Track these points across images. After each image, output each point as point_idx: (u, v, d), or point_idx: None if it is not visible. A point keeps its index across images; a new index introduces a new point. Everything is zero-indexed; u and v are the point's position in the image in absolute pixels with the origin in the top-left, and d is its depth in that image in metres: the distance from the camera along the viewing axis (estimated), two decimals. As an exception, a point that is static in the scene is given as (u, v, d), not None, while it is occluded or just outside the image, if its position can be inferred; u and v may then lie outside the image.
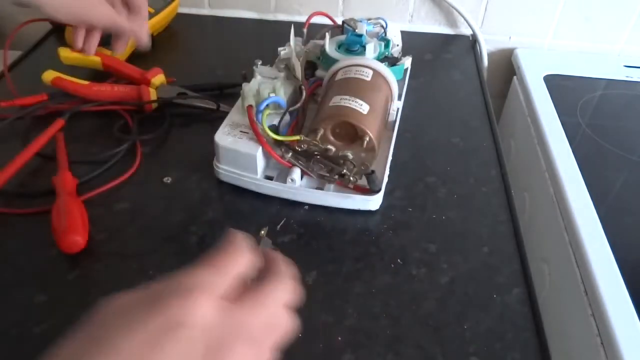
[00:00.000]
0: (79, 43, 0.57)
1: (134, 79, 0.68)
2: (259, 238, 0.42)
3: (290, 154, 0.51)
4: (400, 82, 0.63)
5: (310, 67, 0.61)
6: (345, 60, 0.56)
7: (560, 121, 0.71)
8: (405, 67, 0.64)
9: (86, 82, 0.65)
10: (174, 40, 0.85)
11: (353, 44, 0.59)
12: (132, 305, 0.24)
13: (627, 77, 0.82)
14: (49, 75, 0.64)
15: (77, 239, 0.46)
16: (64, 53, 0.70)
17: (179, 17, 0.87)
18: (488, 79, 0.90)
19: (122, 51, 0.58)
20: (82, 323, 0.24)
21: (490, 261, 0.48)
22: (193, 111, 0.66)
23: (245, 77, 0.57)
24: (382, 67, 0.55)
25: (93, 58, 0.68)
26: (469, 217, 0.53)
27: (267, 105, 0.52)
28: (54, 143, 0.57)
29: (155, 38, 0.82)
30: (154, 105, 0.65)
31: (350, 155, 0.50)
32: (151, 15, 0.79)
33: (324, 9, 0.69)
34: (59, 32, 0.82)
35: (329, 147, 0.50)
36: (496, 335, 0.42)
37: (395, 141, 0.58)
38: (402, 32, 0.69)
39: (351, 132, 0.50)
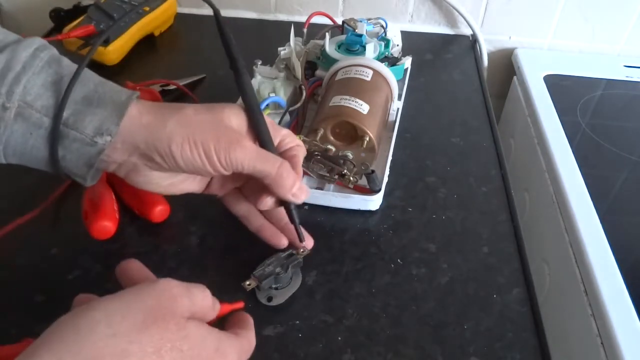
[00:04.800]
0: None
1: None
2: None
3: (290, 154, 0.51)
4: (400, 82, 0.63)
5: (310, 67, 0.61)
6: (345, 60, 0.56)
7: (560, 121, 0.71)
8: (405, 67, 0.64)
9: None
10: (175, 40, 0.85)
11: (353, 44, 0.59)
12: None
13: (627, 77, 0.82)
14: None
15: (107, 225, 0.47)
16: None
17: (179, 17, 0.87)
18: (488, 79, 0.90)
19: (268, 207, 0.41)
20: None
21: (490, 261, 0.48)
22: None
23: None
24: (382, 67, 0.55)
25: None
26: (469, 217, 0.53)
27: (267, 105, 0.52)
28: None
29: (155, 38, 0.82)
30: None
31: (350, 155, 0.50)
32: (145, 13, 0.78)
33: (324, 9, 0.69)
34: (59, 29, 0.82)
35: (329, 147, 0.50)
36: (496, 335, 0.42)
37: (395, 141, 0.58)
38: (402, 32, 0.69)
39: (351, 132, 0.50)
